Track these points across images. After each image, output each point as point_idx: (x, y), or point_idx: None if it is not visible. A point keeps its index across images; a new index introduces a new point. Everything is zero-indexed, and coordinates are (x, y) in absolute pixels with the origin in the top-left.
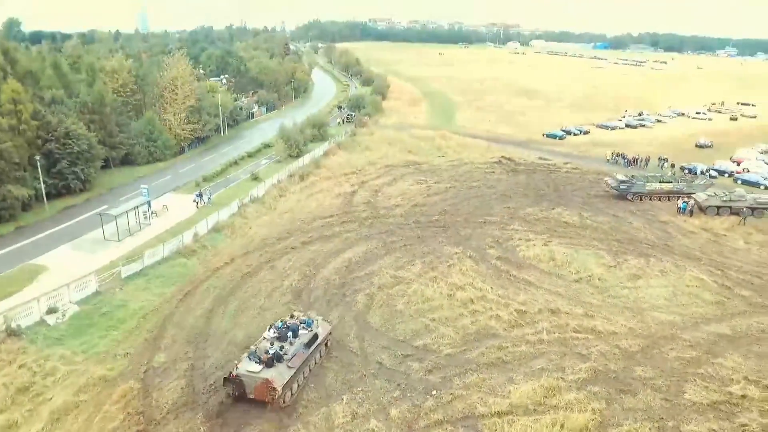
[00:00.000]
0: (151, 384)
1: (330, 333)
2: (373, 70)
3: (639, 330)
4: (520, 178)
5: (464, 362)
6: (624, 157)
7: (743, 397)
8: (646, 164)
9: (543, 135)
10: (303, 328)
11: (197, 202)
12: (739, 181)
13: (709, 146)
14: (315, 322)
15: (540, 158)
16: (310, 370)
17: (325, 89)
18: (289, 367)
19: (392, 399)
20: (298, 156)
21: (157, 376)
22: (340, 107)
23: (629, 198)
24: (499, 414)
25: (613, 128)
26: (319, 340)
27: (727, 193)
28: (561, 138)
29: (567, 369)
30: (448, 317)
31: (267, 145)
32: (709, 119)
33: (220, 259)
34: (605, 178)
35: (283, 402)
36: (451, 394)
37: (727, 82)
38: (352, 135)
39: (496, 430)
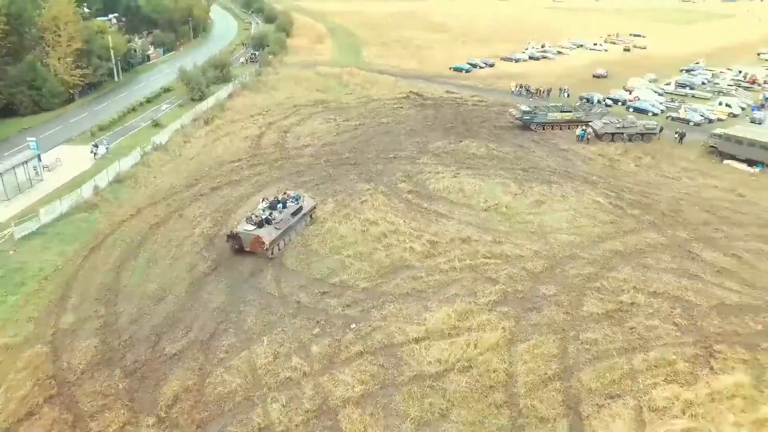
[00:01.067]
0: (60, 346)
1: (314, 207)
2: (276, 6)
3: (543, 252)
4: (428, 113)
5: (381, 295)
6: (527, 89)
7: (632, 304)
8: (548, 95)
9: (450, 69)
10: (291, 202)
11: (95, 153)
12: (631, 109)
13: (605, 76)
14: (302, 198)
15: (447, 92)
16: (296, 233)
17: (226, 28)
18: (276, 228)
19: (312, 336)
20: (201, 99)
21: (67, 337)
22: (244, 45)
23: (532, 128)
24: (416, 340)
25: (517, 60)
26: (303, 212)
27: (620, 121)
28: (467, 71)
29: (478, 293)
30: (362, 253)
31: (167, 89)
32: (605, 50)
33: (125, 211)
34: (509, 110)
35: (271, 254)
36: (370, 326)
37: (622, 16)
38: (257, 75)
39: (414, 355)
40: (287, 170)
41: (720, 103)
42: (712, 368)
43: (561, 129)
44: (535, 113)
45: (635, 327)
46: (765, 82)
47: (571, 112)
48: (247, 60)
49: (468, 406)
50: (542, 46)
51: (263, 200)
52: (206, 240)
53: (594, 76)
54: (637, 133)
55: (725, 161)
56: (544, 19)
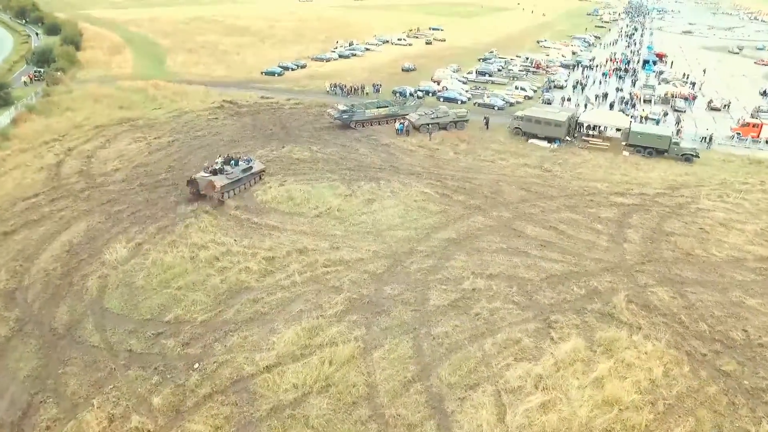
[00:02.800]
0: None
1: (263, 170)
2: (58, 16)
3: (382, 251)
4: (245, 121)
5: (222, 325)
6: (342, 87)
7: (473, 290)
8: (363, 91)
9: (261, 73)
10: (243, 162)
11: None
12: (441, 99)
13: (413, 69)
14: (254, 161)
15: (262, 97)
16: (245, 187)
17: None
18: (228, 177)
19: (152, 386)
20: None
21: None
22: (26, 61)
23: (352, 126)
24: (268, 368)
25: (327, 60)
26: (253, 170)
27: (433, 111)
28: (279, 74)
29: (324, 305)
30: (195, 281)
31: None
32: (409, 44)
33: None
34: (328, 110)
35: (221, 198)
36: (215, 362)
37: (417, 12)
38: (46, 95)
39: (268, 385)
40: (96, 200)
41: (516, 88)
42: (552, 339)
43: (380, 124)
44: (353, 111)
45: (480, 312)
46: (548, 67)
47: (387, 107)
48: (31, 79)
49: (334, 429)
50: (350, 44)
51: (219, 156)
52: (5, 297)
53: (403, 69)
54: (450, 122)
55: (529, 140)
56: (347, 18)
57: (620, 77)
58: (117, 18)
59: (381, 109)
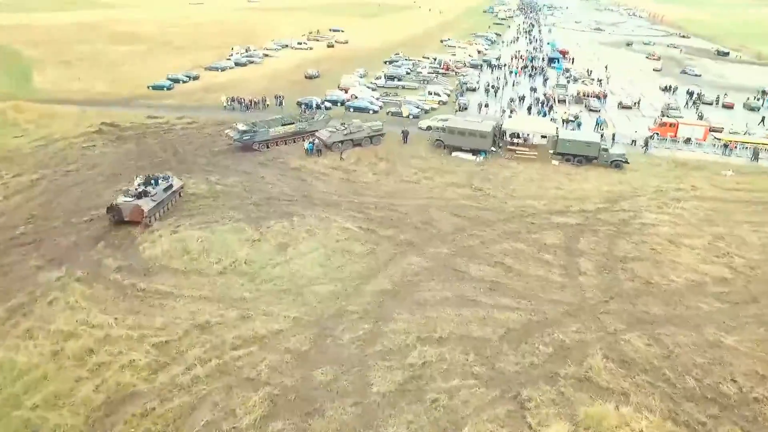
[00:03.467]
0: None
1: (182, 187)
2: None
3: (304, 317)
4: (129, 147)
5: None
6: (240, 101)
7: (423, 364)
8: (264, 104)
9: (148, 87)
10: (162, 180)
11: None
12: (351, 109)
13: (317, 76)
14: (172, 177)
15: (149, 117)
16: (167, 208)
17: None
18: (153, 200)
19: None
20: None
21: None
22: None
23: (255, 148)
24: None
25: (223, 69)
26: (173, 189)
27: (346, 126)
28: (169, 88)
29: (238, 410)
30: (59, 392)
31: None
32: (310, 48)
33: None
34: (226, 131)
35: (149, 222)
36: None
37: (312, 13)
38: None
39: None
40: None
41: (429, 93)
42: (530, 426)
43: (287, 143)
44: (255, 131)
45: (437, 398)
46: (457, 68)
47: (294, 123)
48: None
49: None
50: (247, 50)
51: (137, 177)
52: None
53: (306, 76)
54: (365, 137)
55: (453, 153)
56: (243, 21)
57: (530, 75)
58: None
59: (287, 127)
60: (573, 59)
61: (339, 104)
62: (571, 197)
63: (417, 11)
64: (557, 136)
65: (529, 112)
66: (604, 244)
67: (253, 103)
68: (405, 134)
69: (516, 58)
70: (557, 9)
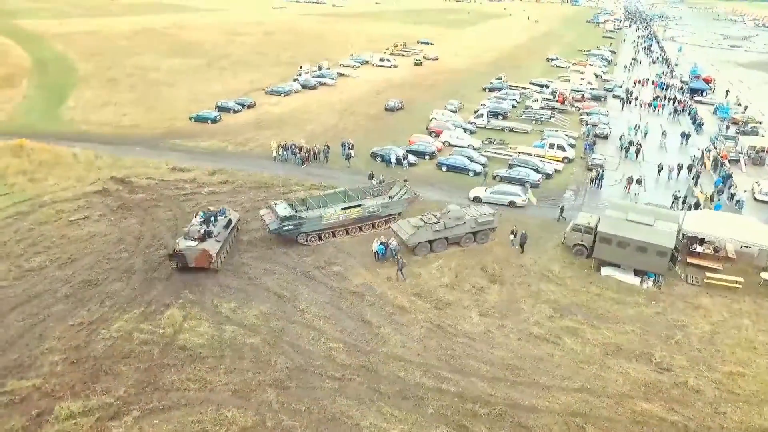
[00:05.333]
0: None
1: (239, 219)
2: None
3: None
4: (129, 225)
5: None
6: (294, 151)
7: None
8: (326, 157)
9: (190, 119)
10: (219, 215)
11: None
12: (444, 168)
13: (401, 108)
14: (228, 210)
15: (173, 169)
16: (230, 245)
17: None
18: (217, 240)
19: None
20: None
21: None
22: None
23: (301, 241)
24: None
25: (286, 93)
26: (232, 223)
27: (437, 216)
28: (215, 120)
29: None
30: None
31: None
32: (395, 66)
33: None
34: (261, 212)
35: (217, 266)
36: None
37: (398, 21)
38: None
39: None
40: None
41: (551, 146)
42: None
43: (349, 233)
44: (301, 219)
45: None
46: (575, 100)
47: (360, 205)
48: None
49: None
50: (319, 68)
51: (196, 215)
52: None
53: (387, 109)
54: (467, 234)
55: (603, 271)
56: (322, 29)
57: (675, 111)
58: (49, 30)
59: (350, 211)
60: (727, 92)
61: (427, 157)
62: None
63: (509, 20)
64: None
65: (693, 181)
66: None
67: (312, 154)
68: (522, 238)
69: (640, 84)
70: (670, 19)
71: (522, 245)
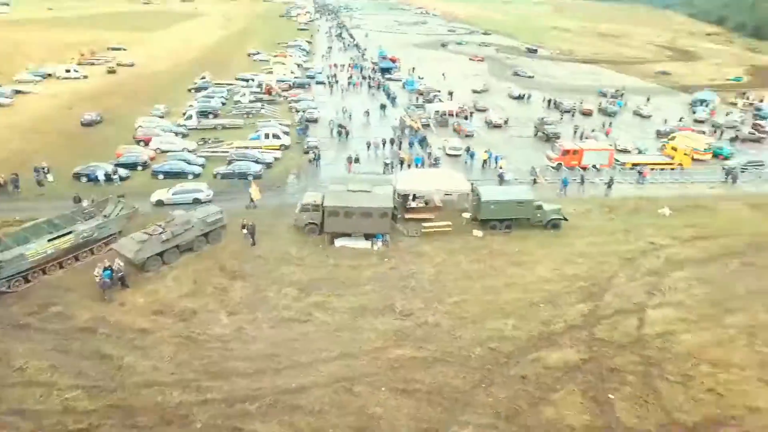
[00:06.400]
0: None
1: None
2: None
3: None
4: None
5: None
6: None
7: None
8: (15, 188)
9: None
10: None
11: None
12: (161, 175)
13: (99, 121)
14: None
15: None
16: None
17: None
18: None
19: None
20: None
21: None
22: None
23: (2, 289)
24: None
25: None
26: None
27: (162, 226)
28: None
29: None
30: None
31: None
32: (84, 76)
33: None
34: None
35: None
36: None
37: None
38: None
39: None
40: None
41: (267, 136)
42: None
43: (63, 267)
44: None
45: None
46: (283, 90)
47: (71, 232)
48: None
49: None
50: None
51: None
52: None
53: (83, 124)
54: (198, 237)
55: (337, 242)
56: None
57: (370, 87)
58: None
59: (57, 241)
60: (411, 68)
61: (140, 168)
62: (537, 300)
63: (203, 19)
64: (479, 197)
65: (391, 147)
66: (653, 409)
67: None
68: (250, 230)
69: (335, 67)
70: (353, 10)
71: (252, 236)
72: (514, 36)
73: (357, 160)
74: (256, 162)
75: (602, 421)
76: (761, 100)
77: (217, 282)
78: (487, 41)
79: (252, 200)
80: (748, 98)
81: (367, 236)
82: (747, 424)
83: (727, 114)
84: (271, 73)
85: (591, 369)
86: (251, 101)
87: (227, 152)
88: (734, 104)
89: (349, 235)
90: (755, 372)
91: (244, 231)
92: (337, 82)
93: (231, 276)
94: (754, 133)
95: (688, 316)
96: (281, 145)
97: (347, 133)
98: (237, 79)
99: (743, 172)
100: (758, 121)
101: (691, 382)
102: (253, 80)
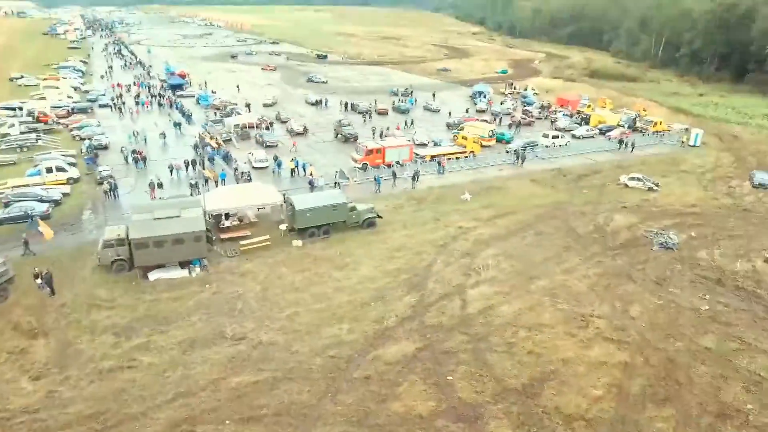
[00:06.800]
0: None
1: None
2: None
3: None
4: None
5: None
6: None
7: None
8: None
9: None
10: None
11: None
12: None
13: None
14: None
15: None
16: None
17: None
18: None
19: None
20: None
21: None
22: None
23: None
24: None
25: None
26: None
27: None
28: None
29: None
30: None
31: None
32: None
33: None
34: None
35: None
36: None
37: None
38: None
39: None
40: None
41: (49, 170)
42: None
43: None
44: None
45: None
46: (60, 117)
47: None
48: None
49: None
50: None
51: None
52: None
53: None
54: None
55: (151, 276)
56: None
57: (161, 105)
58: None
59: None
60: (204, 82)
61: None
62: (366, 300)
63: None
64: (293, 207)
65: (194, 168)
66: (488, 381)
67: None
68: (46, 279)
69: (120, 87)
70: (130, 25)
71: (49, 285)
72: (302, 44)
73: (160, 185)
74: (41, 201)
75: (446, 404)
76: (525, 89)
77: (12, 345)
78: (277, 50)
79: (28, 246)
80: (515, 88)
81: (183, 264)
82: (562, 375)
83: (502, 103)
84: (44, 98)
85: (427, 356)
86: (23, 132)
87: (2, 194)
88: (504, 93)
89: (163, 265)
90: (562, 328)
91: (39, 281)
92: (123, 103)
93: (29, 335)
94: (525, 118)
95: (501, 290)
96: (68, 179)
97: (144, 159)
98: (1, 108)
99: (523, 151)
100: (526, 108)
101: (514, 349)
102: (21, 108)
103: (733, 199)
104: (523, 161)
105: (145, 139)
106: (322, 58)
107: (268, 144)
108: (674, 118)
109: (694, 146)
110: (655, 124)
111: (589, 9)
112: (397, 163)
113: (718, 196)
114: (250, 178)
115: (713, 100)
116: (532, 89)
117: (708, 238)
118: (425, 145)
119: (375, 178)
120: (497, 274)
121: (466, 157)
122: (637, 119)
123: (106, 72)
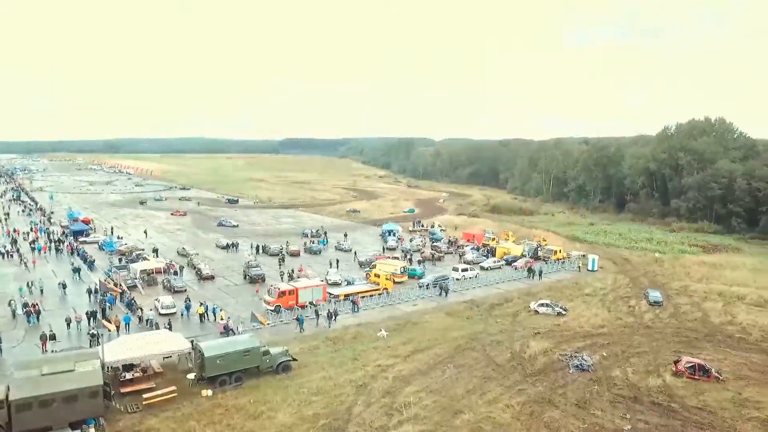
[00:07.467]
0: None
1: None
2: None
3: None
4: None
5: None
6: None
7: None
8: None
9: None
10: None
11: None
12: None
13: None
14: None
15: None
16: None
17: None
18: None
19: None
20: None
21: None
22: None
23: None
24: None
25: None
26: None
27: None
28: None
29: None
30: None
31: None
32: None
33: None
34: None
35: None
36: None
37: None
38: None
39: None
40: None
41: None
42: None
43: None
44: None
45: None
46: None
47: None
48: None
49: None
50: None
51: None
52: None
53: None
54: None
55: None
56: None
57: (59, 251)
58: None
59: None
60: (110, 228)
61: None
62: None
63: None
64: (201, 354)
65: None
66: None
67: None
68: None
69: (16, 233)
70: (33, 172)
71: None
72: (213, 189)
73: (53, 337)
74: None
75: None
76: (432, 226)
77: None
78: (187, 195)
79: None
80: (422, 225)
81: (74, 425)
82: None
83: (411, 240)
84: None
85: None
86: None
87: None
88: (412, 231)
89: (50, 428)
90: None
91: None
92: (18, 250)
93: None
94: (434, 254)
95: (426, 428)
96: None
97: (38, 312)
98: None
99: (435, 286)
100: (435, 243)
101: None
102: None
103: (634, 317)
104: (447, 293)
105: (41, 290)
106: (233, 202)
107: (176, 289)
108: (571, 245)
109: (592, 270)
110: (556, 252)
111: (485, 152)
112: (311, 303)
113: (621, 316)
114: (156, 326)
115: (603, 228)
116: (439, 225)
117: (619, 356)
118: (339, 284)
119: (298, 318)
120: (420, 411)
121: (380, 294)
122: (539, 249)
123: (2, 219)
